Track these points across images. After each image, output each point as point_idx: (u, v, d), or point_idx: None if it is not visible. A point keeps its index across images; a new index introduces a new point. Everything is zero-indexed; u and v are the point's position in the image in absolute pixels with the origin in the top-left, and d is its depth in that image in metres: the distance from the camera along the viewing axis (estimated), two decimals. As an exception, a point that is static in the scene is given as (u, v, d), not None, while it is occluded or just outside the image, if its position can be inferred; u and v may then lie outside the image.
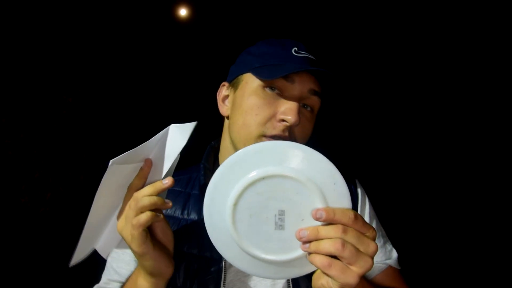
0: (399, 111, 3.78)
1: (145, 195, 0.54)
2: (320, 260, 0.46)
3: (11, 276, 2.53)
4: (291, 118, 0.64)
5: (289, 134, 0.66)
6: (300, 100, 0.69)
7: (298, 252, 0.50)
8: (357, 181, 0.88)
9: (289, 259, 0.50)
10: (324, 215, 0.46)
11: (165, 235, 0.59)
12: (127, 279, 0.64)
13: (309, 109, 0.71)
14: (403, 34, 3.56)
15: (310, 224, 0.48)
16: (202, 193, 0.71)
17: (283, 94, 0.68)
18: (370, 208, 0.85)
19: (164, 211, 0.74)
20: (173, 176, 0.82)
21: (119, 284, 0.73)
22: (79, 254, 0.58)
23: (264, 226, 0.50)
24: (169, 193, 0.76)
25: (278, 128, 0.65)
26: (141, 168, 0.57)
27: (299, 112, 0.65)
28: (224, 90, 0.79)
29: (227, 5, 3.47)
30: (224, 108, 0.78)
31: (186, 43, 3.74)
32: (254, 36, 0.79)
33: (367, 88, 3.83)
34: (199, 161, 0.82)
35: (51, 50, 3.11)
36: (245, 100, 0.69)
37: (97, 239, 0.60)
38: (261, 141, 0.65)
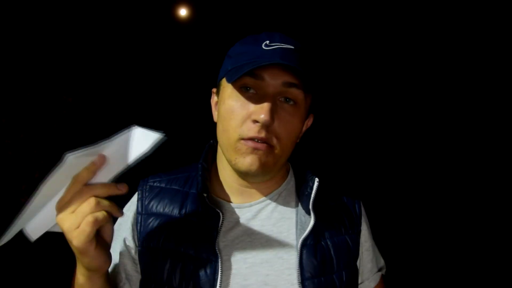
0: (395, 117, 3.78)
1: (101, 194, 0.55)
2: None
3: (11, 276, 2.53)
4: (262, 117, 0.61)
5: (267, 133, 0.63)
6: (276, 96, 0.65)
7: None
8: (361, 203, 0.86)
9: None
10: None
11: (107, 231, 0.58)
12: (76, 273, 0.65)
13: (291, 102, 0.67)
14: (404, 40, 3.57)
15: None
16: (200, 193, 0.70)
17: (257, 93, 0.65)
18: (365, 214, 0.84)
19: (161, 210, 0.73)
20: (172, 174, 0.79)
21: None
22: (9, 234, 0.58)
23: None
24: (166, 191, 0.75)
25: (253, 129, 0.63)
26: (93, 162, 0.55)
27: (271, 110, 0.62)
28: (214, 97, 0.78)
29: (227, 5, 3.47)
30: (214, 114, 0.77)
31: (186, 43, 3.74)
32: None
33: (365, 93, 3.83)
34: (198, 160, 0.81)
35: (51, 50, 3.11)
36: (223, 105, 0.68)
37: (29, 221, 0.59)
38: (239, 144, 0.65)
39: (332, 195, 0.80)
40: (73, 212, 0.53)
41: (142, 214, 0.73)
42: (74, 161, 0.54)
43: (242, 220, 0.71)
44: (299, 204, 0.74)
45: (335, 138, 3.77)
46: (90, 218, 0.52)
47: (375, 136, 3.82)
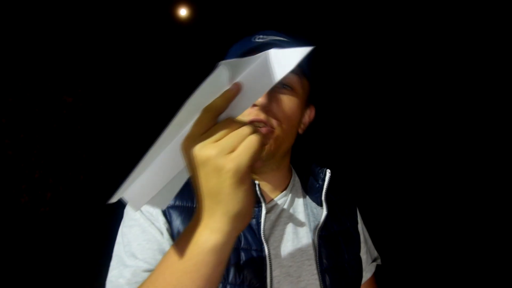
0: (394, 117, 3.78)
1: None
2: None
3: (11, 276, 2.53)
4: (260, 99, 0.63)
5: (266, 115, 0.65)
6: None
7: None
8: (347, 183, 0.90)
9: None
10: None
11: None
12: (174, 246, 0.49)
13: (288, 88, 0.69)
14: (404, 37, 3.57)
15: None
16: None
17: None
18: (361, 222, 0.88)
19: (187, 204, 0.70)
20: None
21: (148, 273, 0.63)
22: (120, 194, 0.46)
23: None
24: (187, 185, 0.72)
25: (252, 113, 0.64)
26: (228, 89, 0.45)
27: (268, 93, 0.63)
28: None
29: (227, 5, 3.47)
30: None
31: (186, 43, 3.74)
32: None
33: (365, 93, 3.83)
34: None
35: (51, 50, 3.11)
36: None
37: (132, 183, 0.46)
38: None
39: (333, 189, 0.82)
40: (217, 141, 0.42)
41: (167, 208, 0.69)
42: (217, 79, 0.44)
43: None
44: (307, 198, 0.77)
45: (334, 135, 3.77)
46: (255, 137, 0.41)
47: (372, 132, 3.83)
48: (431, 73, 3.64)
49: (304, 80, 0.72)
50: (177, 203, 0.69)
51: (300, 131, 0.77)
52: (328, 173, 0.74)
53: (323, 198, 0.72)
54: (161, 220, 0.68)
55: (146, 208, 0.69)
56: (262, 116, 0.64)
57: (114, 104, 3.60)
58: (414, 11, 3.39)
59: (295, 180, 0.81)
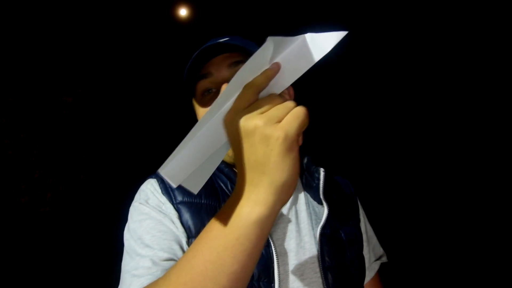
0: (392, 111, 3.78)
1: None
2: None
3: (11, 276, 2.53)
4: None
5: None
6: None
7: None
8: (349, 183, 0.90)
9: None
10: None
11: None
12: (211, 222, 0.46)
13: None
14: (403, 34, 3.56)
15: None
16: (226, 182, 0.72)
17: (217, 88, 0.71)
18: (365, 219, 0.88)
19: (206, 201, 0.70)
20: None
21: (171, 262, 0.59)
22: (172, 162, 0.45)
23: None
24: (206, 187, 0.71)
25: None
26: (269, 68, 0.45)
27: None
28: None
29: (227, 5, 3.47)
30: None
31: (186, 43, 3.74)
32: (254, 36, 0.80)
33: (363, 88, 3.83)
34: None
35: (51, 50, 3.11)
36: (198, 118, 0.73)
37: (172, 160, 0.45)
38: None
39: (333, 187, 0.82)
40: (263, 113, 0.41)
41: (176, 203, 0.69)
42: (265, 54, 0.44)
43: None
44: (308, 196, 0.77)
45: (333, 133, 3.77)
46: (301, 108, 0.41)
47: (370, 129, 3.83)
48: (431, 69, 3.64)
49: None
50: (185, 199, 0.69)
51: None
52: (322, 171, 0.74)
53: (321, 197, 0.72)
54: (173, 214, 0.67)
55: (156, 202, 0.69)
56: None
57: (114, 104, 3.60)
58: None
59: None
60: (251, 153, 0.41)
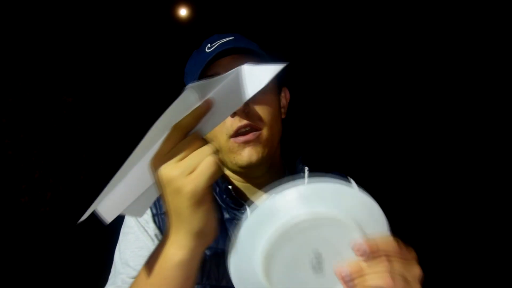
0: (395, 109, 3.78)
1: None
2: None
3: (11, 276, 2.53)
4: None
5: (248, 119, 0.65)
6: None
7: None
8: (351, 179, 0.87)
9: None
10: (367, 248, 0.42)
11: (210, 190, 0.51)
12: (148, 259, 0.52)
13: None
14: (406, 38, 3.56)
15: (349, 259, 0.43)
16: (221, 193, 0.72)
17: None
18: None
19: None
20: None
21: None
22: (92, 209, 0.48)
23: (302, 273, 0.45)
24: None
25: (235, 123, 0.65)
26: (198, 107, 0.46)
27: None
28: None
29: (227, 5, 3.47)
30: None
31: (186, 43, 3.73)
32: (254, 36, 0.79)
33: (365, 86, 3.83)
34: None
35: (51, 50, 3.11)
36: None
37: (102, 200, 0.48)
38: (230, 144, 0.66)
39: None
40: (180, 160, 0.43)
41: (159, 215, 0.71)
42: (187, 100, 0.45)
43: None
44: None
45: (332, 137, 3.77)
46: (212, 158, 0.42)
47: (372, 134, 3.83)
48: (431, 69, 3.64)
49: None
50: None
51: (283, 115, 0.78)
52: (306, 171, 0.74)
53: None
54: (151, 227, 0.70)
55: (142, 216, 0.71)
56: (244, 121, 0.65)
57: (114, 104, 3.60)
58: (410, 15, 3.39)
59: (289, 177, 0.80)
60: (170, 201, 0.44)
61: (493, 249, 2.94)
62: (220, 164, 0.44)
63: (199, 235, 0.45)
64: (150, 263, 0.50)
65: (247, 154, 0.66)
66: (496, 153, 3.34)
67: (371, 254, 0.42)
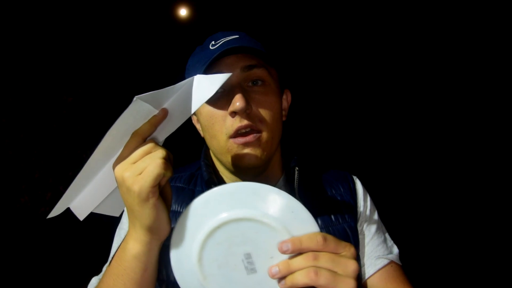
0: (397, 108, 3.78)
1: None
2: None
3: (11, 276, 2.53)
4: (238, 105, 0.62)
5: (249, 119, 0.64)
6: (242, 83, 0.67)
7: None
8: (355, 178, 0.86)
9: None
10: (290, 247, 0.44)
11: (168, 191, 0.54)
12: (115, 251, 0.57)
13: (259, 83, 0.68)
14: (406, 37, 3.56)
15: (280, 259, 0.46)
16: (207, 189, 0.71)
17: (225, 89, 0.67)
18: (370, 203, 0.83)
19: (178, 208, 0.75)
20: (174, 173, 0.76)
21: None
22: (60, 207, 0.52)
23: (236, 273, 0.48)
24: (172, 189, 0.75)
25: (235, 122, 0.64)
26: (155, 115, 0.51)
27: (243, 96, 0.63)
28: (192, 116, 0.79)
29: (227, 5, 3.47)
30: (199, 129, 0.78)
31: (186, 43, 3.73)
32: (254, 36, 0.79)
33: (367, 86, 3.83)
34: (196, 159, 0.81)
35: (51, 50, 3.11)
36: (201, 116, 0.70)
37: (77, 196, 0.53)
38: (230, 144, 0.65)
39: (317, 185, 0.79)
40: (133, 163, 0.48)
41: None
42: (138, 108, 0.49)
43: None
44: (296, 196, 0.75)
45: (335, 136, 3.77)
46: (159, 160, 0.46)
47: (375, 133, 3.82)
48: (431, 69, 3.64)
49: (271, 69, 0.72)
50: None
51: (284, 118, 0.77)
52: (296, 171, 0.73)
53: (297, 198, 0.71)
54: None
55: None
56: (245, 122, 0.64)
57: (114, 104, 3.60)
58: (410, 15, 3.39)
59: (285, 179, 0.78)
60: (125, 199, 0.49)
61: (493, 249, 2.94)
62: (170, 166, 0.48)
63: (151, 229, 0.50)
64: (116, 255, 0.55)
65: (246, 157, 0.65)
66: (496, 153, 3.34)
67: (295, 251, 0.45)
